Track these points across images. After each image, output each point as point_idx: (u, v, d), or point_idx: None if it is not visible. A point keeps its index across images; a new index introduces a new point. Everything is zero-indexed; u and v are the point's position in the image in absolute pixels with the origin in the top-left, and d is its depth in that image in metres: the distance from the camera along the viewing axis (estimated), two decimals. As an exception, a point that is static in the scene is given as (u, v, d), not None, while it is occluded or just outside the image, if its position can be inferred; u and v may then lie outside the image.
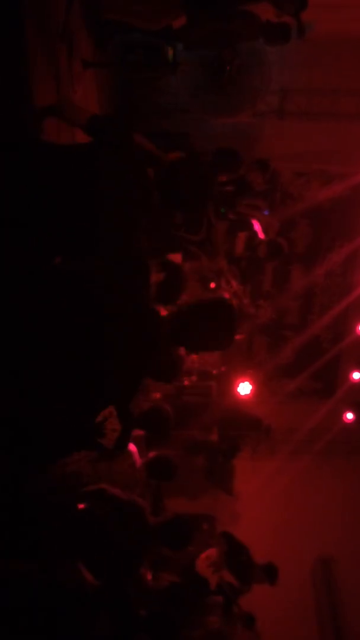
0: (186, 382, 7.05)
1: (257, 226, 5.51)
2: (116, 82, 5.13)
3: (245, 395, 7.47)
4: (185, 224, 4.57)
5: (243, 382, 7.46)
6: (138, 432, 4.29)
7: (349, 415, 8.09)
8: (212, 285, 6.20)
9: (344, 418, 8.12)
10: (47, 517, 3.17)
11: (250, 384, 7.40)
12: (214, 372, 7.25)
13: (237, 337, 7.53)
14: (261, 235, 5.56)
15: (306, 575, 7.10)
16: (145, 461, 3.82)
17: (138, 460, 3.79)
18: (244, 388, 7.47)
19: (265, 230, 5.59)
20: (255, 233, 5.53)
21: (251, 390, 7.38)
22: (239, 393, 7.45)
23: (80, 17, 4.36)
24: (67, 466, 3.48)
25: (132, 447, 3.74)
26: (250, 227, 5.48)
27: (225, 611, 5.62)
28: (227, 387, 7.42)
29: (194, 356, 7.06)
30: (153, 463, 3.81)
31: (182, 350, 5.34)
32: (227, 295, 6.42)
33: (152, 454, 3.93)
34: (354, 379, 8.00)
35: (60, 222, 2.35)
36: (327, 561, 6.93)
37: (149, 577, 4.94)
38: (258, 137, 6.41)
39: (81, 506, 3.15)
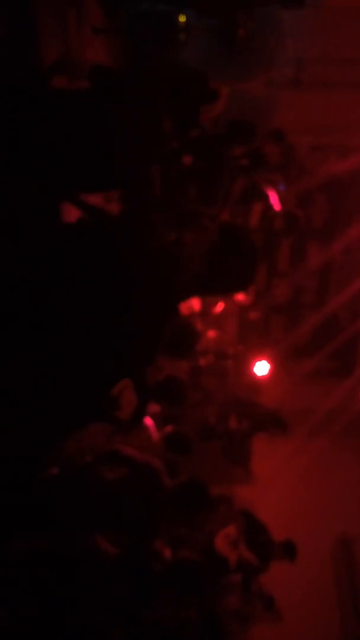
0: (202, 362, 6.98)
1: (272, 197, 5.36)
2: (126, 51, 5.01)
3: (263, 375, 7.38)
4: (201, 197, 4.48)
5: (260, 361, 7.36)
6: (154, 409, 4.23)
7: (369, 395, 7.98)
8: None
9: (363, 398, 8.01)
10: (62, 491, 3.13)
11: (267, 363, 7.31)
12: (231, 351, 7.17)
13: (253, 315, 7.44)
14: (277, 207, 5.41)
15: (326, 555, 7.03)
16: (163, 435, 3.76)
17: (155, 434, 3.73)
18: (262, 368, 7.37)
19: (281, 202, 5.44)
20: (270, 205, 5.39)
21: (267, 369, 7.29)
22: (256, 373, 7.36)
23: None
24: (83, 441, 3.43)
25: (148, 420, 3.68)
26: (265, 197, 5.33)
27: (245, 590, 5.58)
28: (244, 367, 7.33)
29: (210, 335, 6.98)
30: (171, 437, 3.75)
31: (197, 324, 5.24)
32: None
33: (169, 428, 3.87)
34: (373, 358, 7.87)
35: (71, 162, 2.25)
36: (347, 541, 6.85)
37: (168, 554, 4.91)
38: (273, 109, 6.24)
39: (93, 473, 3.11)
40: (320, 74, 6.31)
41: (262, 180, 5.22)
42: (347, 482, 7.46)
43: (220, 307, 6.86)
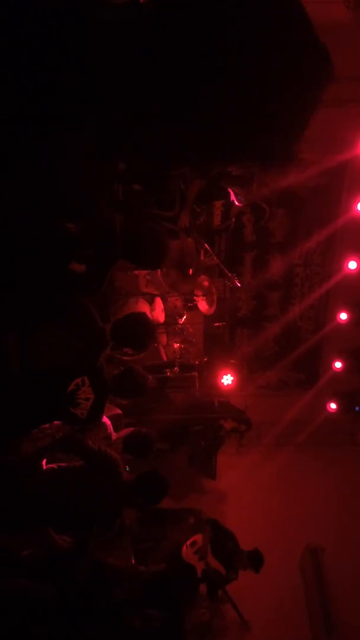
0: (168, 374, 7.01)
1: (232, 195, 5.47)
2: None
3: (228, 386, 7.44)
4: (158, 200, 4.55)
5: (226, 373, 7.43)
6: (116, 411, 4.23)
7: (333, 406, 8.09)
8: (190, 271, 6.17)
9: (327, 408, 8.11)
10: (16, 489, 3.10)
11: (232, 375, 7.38)
12: (196, 362, 7.22)
13: (216, 324, 7.52)
14: (239, 203, 5.51)
15: (295, 565, 7.03)
16: (122, 434, 3.74)
17: (113, 433, 3.72)
18: (226, 380, 7.44)
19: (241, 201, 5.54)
20: (232, 202, 5.48)
21: (233, 381, 7.35)
22: (222, 384, 7.42)
23: None
24: (39, 441, 3.40)
25: (106, 419, 3.66)
26: (226, 194, 5.42)
27: (211, 598, 5.54)
28: (210, 378, 7.39)
29: (175, 346, 7.03)
30: (130, 437, 3.73)
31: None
32: (206, 283, 6.42)
33: (129, 429, 3.86)
34: (336, 368, 7.99)
35: None
36: (314, 550, 6.85)
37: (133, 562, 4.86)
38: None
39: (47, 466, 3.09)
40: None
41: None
42: (313, 492, 7.52)
43: (184, 318, 6.92)
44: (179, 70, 1.72)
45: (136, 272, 5.98)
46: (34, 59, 1.76)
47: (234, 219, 5.79)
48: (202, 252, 6.06)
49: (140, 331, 3.22)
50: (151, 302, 6.28)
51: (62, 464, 3.12)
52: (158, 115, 1.80)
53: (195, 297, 6.48)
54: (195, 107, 1.75)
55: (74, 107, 1.86)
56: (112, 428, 3.70)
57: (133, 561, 5.08)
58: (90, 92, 1.82)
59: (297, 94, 1.77)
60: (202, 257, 6.09)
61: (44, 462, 3.11)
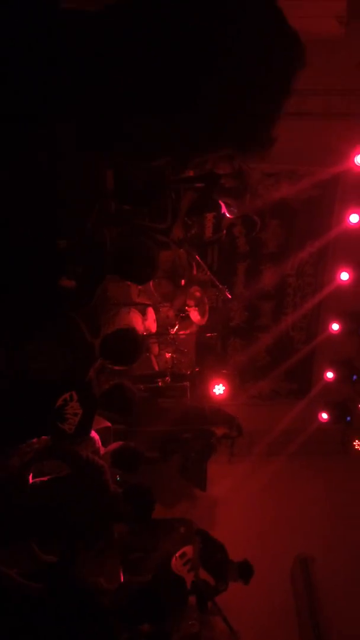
0: (160, 384, 7.01)
1: (223, 207, 5.50)
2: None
3: (220, 395, 7.45)
4: (150, 213, 4.58)
5: (217, 383, 7.44)
6: (105, 424, 4.24)
7: (324, 415, 8.11)
8: (183, 282, 6.20)
9: (319, 418, 8.13)
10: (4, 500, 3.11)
11: (224, 384, 7.39)
12: (188, 372, 7.22)
13: (209, 334, 7.53)
14: (229, 215, 5.55)
15: (285, 575, 7.03)
16: (110, 449, 3.75)
17: (101, 448, 3.72)
18: (218, 389, 7.45)
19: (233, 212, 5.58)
20: (223, 214, 5.52)
21: (225, 390, 7.36)
22: (214, 394, 7.43)
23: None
24: (27, 455, 3.41)
25: (94, 434, 3.67)
26: (217, 207, 5.45)
27: (200, 609, 5.53)
28: (202, 388, 7.39)
29: (167, 356, 7.03)
30: (118, 451, 3.73)
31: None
32: (198, 294, 6.44)
33: (118, 443, 3.86)
34: (328, 378, 8.02)
35: None
36: (305, 560, 6.86)
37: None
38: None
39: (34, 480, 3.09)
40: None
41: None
42: (304, 501, 7.53)
43: (176, 328, 6.92)
44: (179, 69, 1.74)
45: (128, 282, 6.00)
46: (34, 60, 1.77)
47: (225, 231, 5.82)
48: (194, 265, 6.09)
49: (128, 348, 3.23)
50: (143, 312, 6.29)
51: (49, 477, 3.13)
52: (158, 115, 1.82)
53: (187, 308, 6.49)
54: (196, 106, 1.78)
55: (73, 107, 1.87)
56: (100, 442, 3.71)
57: (122, 578, 5.08)
58: (90, 92, 1.83)
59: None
60: (194, 271, 6.11)
61: (30, 476, 3.11)
